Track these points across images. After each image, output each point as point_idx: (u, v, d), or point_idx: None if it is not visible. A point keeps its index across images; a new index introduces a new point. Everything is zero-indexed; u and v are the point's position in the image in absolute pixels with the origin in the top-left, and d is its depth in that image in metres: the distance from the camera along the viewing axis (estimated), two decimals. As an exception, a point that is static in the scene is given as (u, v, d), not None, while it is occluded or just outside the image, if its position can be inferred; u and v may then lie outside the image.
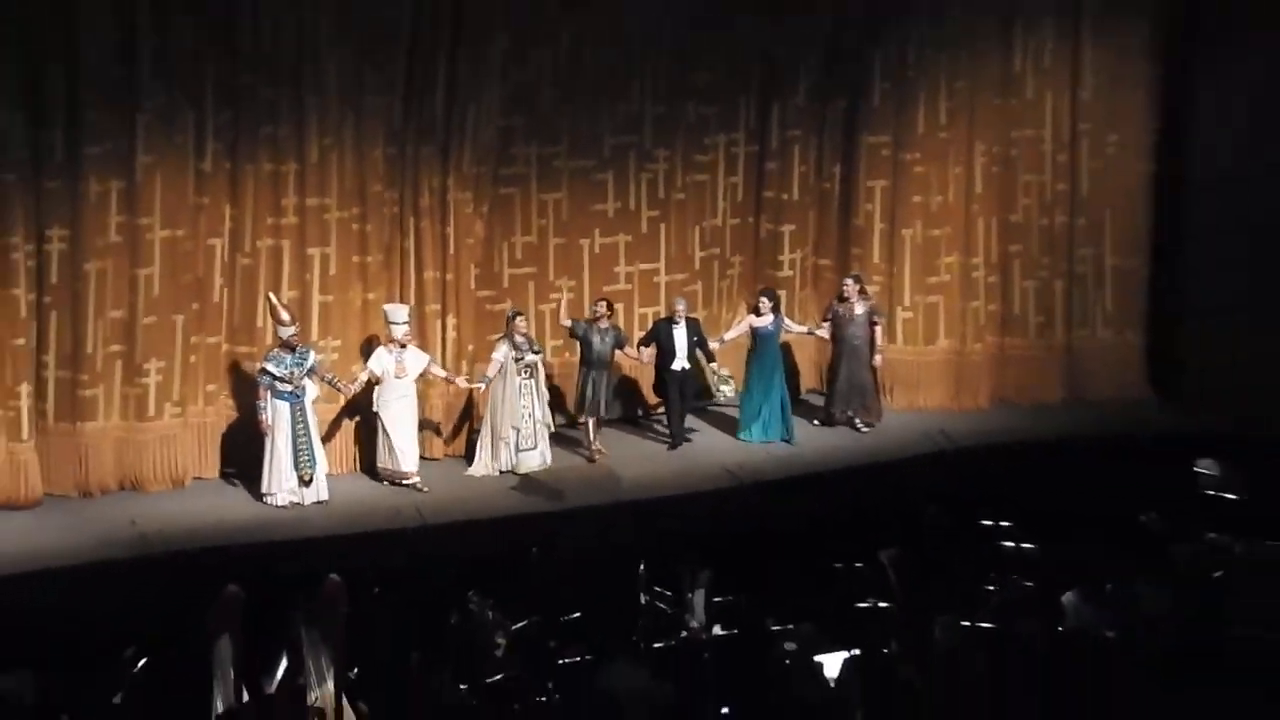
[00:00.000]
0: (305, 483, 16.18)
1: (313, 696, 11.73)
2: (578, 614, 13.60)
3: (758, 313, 18.04)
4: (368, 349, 16.89)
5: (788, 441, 18.01)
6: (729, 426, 18.26)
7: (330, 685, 11.66)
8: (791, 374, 18.69)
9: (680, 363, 17.63)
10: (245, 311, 16.83)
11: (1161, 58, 19.50)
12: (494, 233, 17.82)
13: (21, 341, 15.88)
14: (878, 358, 18.31)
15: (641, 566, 13.72)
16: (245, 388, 16.66)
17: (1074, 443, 18.17)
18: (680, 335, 17.61)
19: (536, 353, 17.11)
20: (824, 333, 18.35)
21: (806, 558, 14.47)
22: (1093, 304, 19.78)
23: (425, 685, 11.72)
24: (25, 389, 15.89)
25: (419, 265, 17.34)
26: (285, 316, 16.20)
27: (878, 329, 18.24)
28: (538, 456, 17.12)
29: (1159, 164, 19.64)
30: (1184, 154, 19.48)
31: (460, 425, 17.63)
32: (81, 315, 16.08)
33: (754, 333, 18.01)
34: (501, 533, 15.93)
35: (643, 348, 17.78)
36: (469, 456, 17.32)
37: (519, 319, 17.03)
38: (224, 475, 16.83)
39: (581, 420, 17.61)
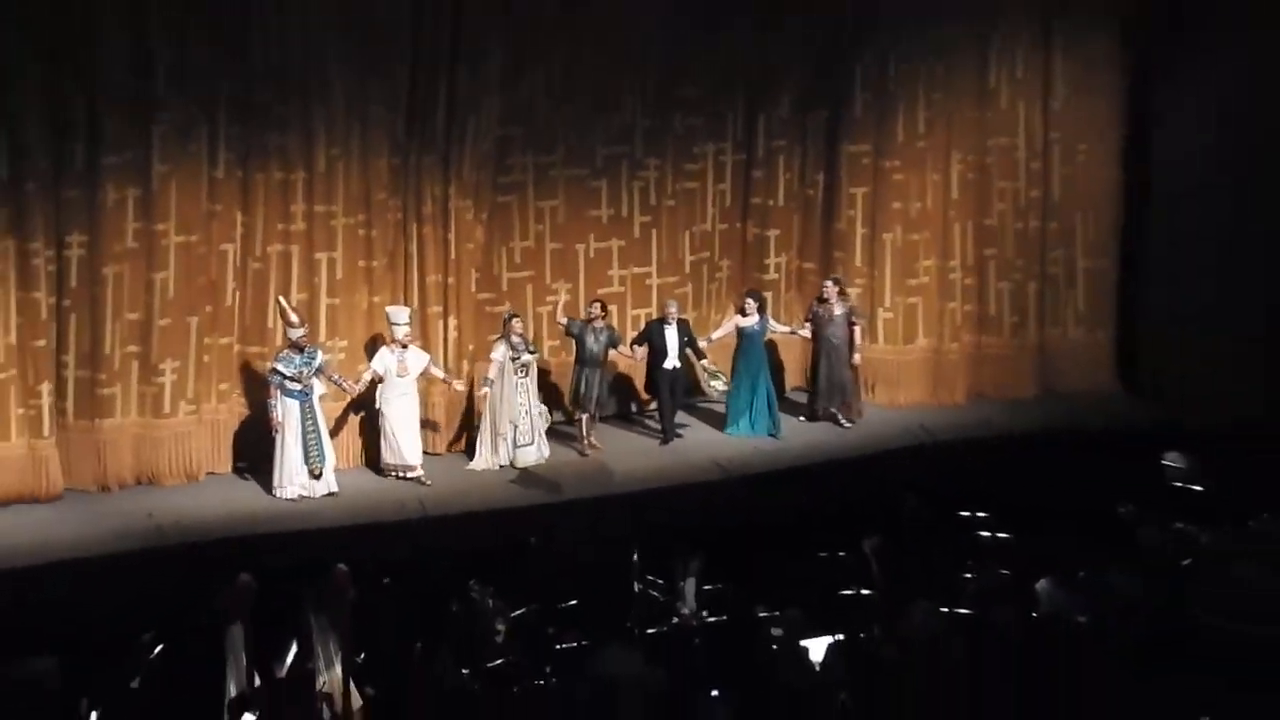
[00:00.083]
0: (315, 476, 16.17)
1: (321, 681, 11.74)
2: (574, 602, 13.60)
3: (744, 313, 18.04)
4: (372, 349, 16.87)
5: (774, 436, 18.00)
6: (718, 422, 18.25)
7: (338, 670, 11.67)
8: (777, 372, 18.66)
9: (671, 361, 17.63)
10: (256, 313, 16.81)
11: (1129, 70, 19.49)
12: (493, 238, 17.80)
13: (42, 342, 15.86)
14: (856, 356, 18.29)
15: (635, 556, 13.72)
16: (256, 386, 16.64)
17: (1047, 436, 18.16)
18: (671, 335, 17.61)
19: (532, 353, 17.09)
20: (806, 332, 18.34)
21: (792, 547, 14.48)
22: (1064, 304, 19.77)
23: (428, 669, 11.70)
24: (46, 388, 15.87)
25: (422, 269, 17.32)
26: (294, 318, 16.19)
27: (856, 329, 18.23)
28: (535, 451, 17.10)
29: (1127, 171, 19.64)
30: (1150, 161, 19.49)
31: (461, 422, 17.60)
32: (100, 317, 16.06)
33: (740, 332, 18.01)
34: (501, 524, 15.91)
35: (635, 346, 17.78)
36: (469, 452, 17.29)
37: (515, 320, 17.02)
38: (236, 470, 16.80)
39: (576, 415, 17.61)
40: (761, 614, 12.83)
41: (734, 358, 18.04)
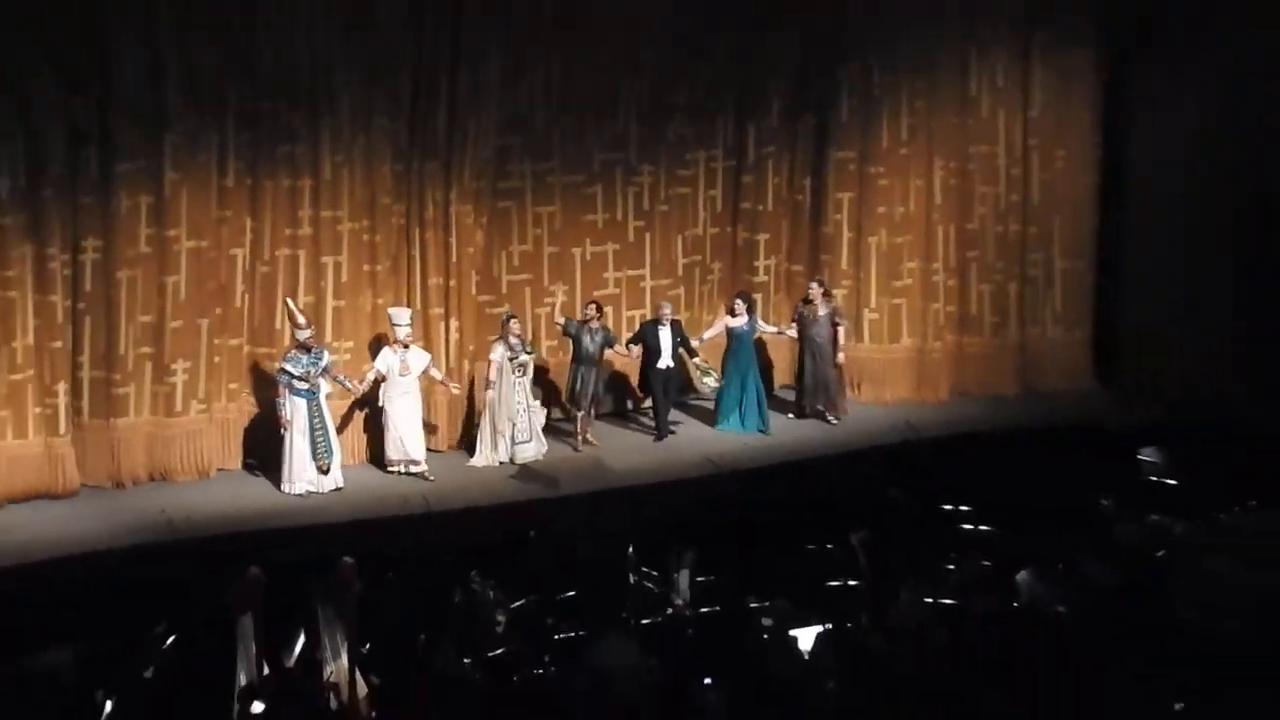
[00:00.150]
0: (323, 472, 16.16)
1: (328, 670, 11.70)
2: (572, 593, 13.57)
3: (733, 314, 18.07)
4: (376, 348, 16.85)
5: (764, 432, 18.00)
6: (710, 419, 18.24)
7: (344, 659, 11.63)
8: (766, 370, 18.66)
9: (665, 361, 17.64)
10: (264, 316, 16.80)
11: (1104, 81, 19.53)
12: (493, 242, 17.79)
13: (59, 344, 15.84)
14: (840, 356, 18.30)
15: (630, 549, 13.69)
16: (265, 386, 16.63)
17: (1027, 432, 18.16)
18: (665, 335, 17.62)
19: (529, 353, 17.08)
20: (792, 332, 18.35)
21: (782, 540, 14.44)
22: (1043, 304, 19.78)
23: (431, 659, 11.68)
24: (62, 387, 15.86)
25: (424, 272, 17.30)
26: (301, 320, 16.18)
27: (840, 329, 18.23)
28: (533, 448, 17.09)
29: (1103, 176, 19.66)
30: (1125, 167, 19.51)
31: (462, 420, 17.57)
32: (114, 319, 16.05)
33: (730, 332, 18.03)
34: (501, 519, 15.90)
35: (631, 346, 17.78)
36: (470, 448, 17.27)
37: (513, 322, 17.01)
38: (246, 466, 16.79)
39: (573, 412, 17.59)
40: (752, 605, 12.79)
41: (724, 357, 18.06)
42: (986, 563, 13.36)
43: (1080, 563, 12.67)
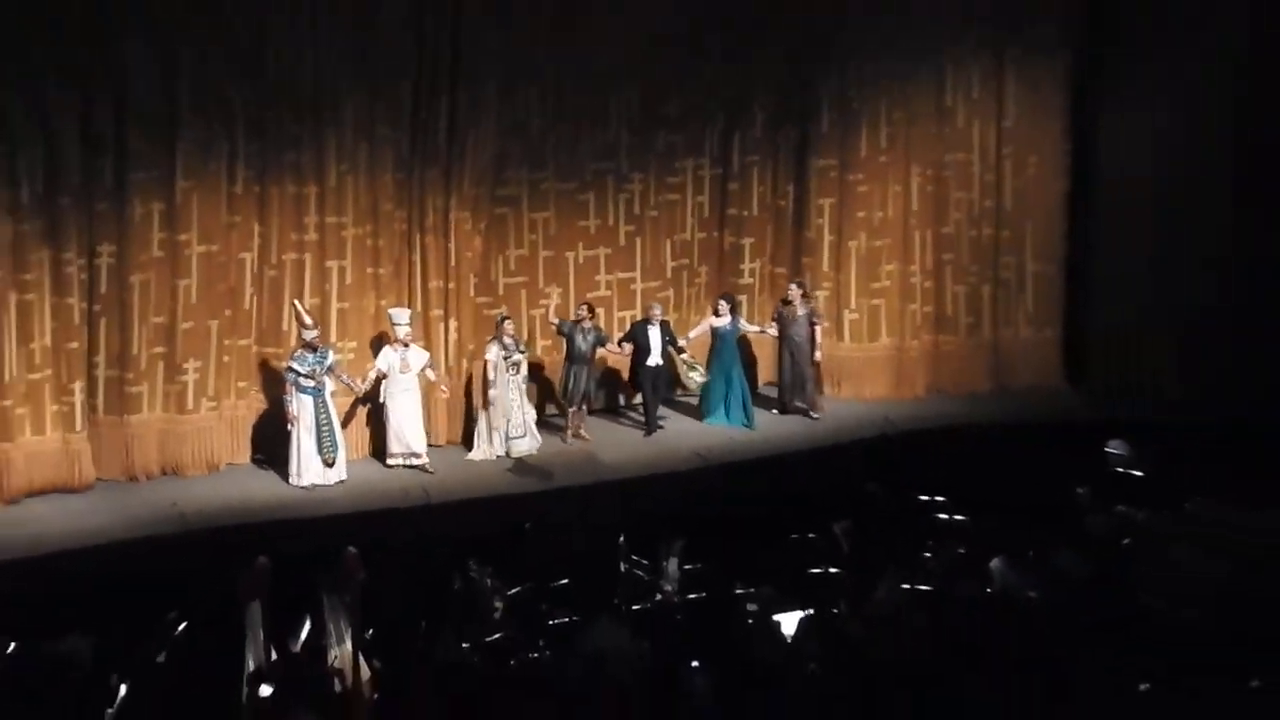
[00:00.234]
0: (328, 465, 16.15)
1: (332, 655, 11.68)
2: (566, 580, 13.56)
3: (717, 314, 18.08)
4: (378, 347, 16.84)
5: (748, 427, 17.99)
6: (697, 415, 18.23)
7: (348, 645, 11.61)
8: (750, 367, 18.64)
9: (654, 359, 17.65)
10: (272, 317, 16.78)
11: (1074, 92, 19.51)
12: (490, 247, 17.78)
13: (75, 345, 15.82)
14: (818, 354, 18.30)
15: (621, 538, 13.68)
16: (273, 383, 16.62)
17: (1000, 427, 18.16)
18: (655, 335, 17.63)
19: (523, 352, 17.08)
20: (773, 331, 18.35)
21: (766, 530, 14.44)
22: (1015, 306, 19.76)
23: (431, 644, 11.67)
24: (78, 386, 15.83)
25: (425, 275, 17.29)
26: (308, 320, 16.19)
27: (817, 329, 18.24)
28: (527, 443, 17.08)
29: (1072, 183, 19.65)
30: (1093, 174, 19.51)
31: (460, 416, 17.56)
32: (128, 321, 16.03)
33: (714, 332, 18.06)
34: (498, 510, 15.90)
35: (622, 344, 17.79)
36: (467, 443, 17.26)
37: (507, 322, 17.02)
38: (254, 461, 16.78)
39: (568, 408, 17.59)
40: (738, 591, 12.79)
41: (709, 355, 18.06)
42: (961, 551, 13.36)
43: (1051, 551, 12.68)
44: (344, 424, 16.61)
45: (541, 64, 17.54)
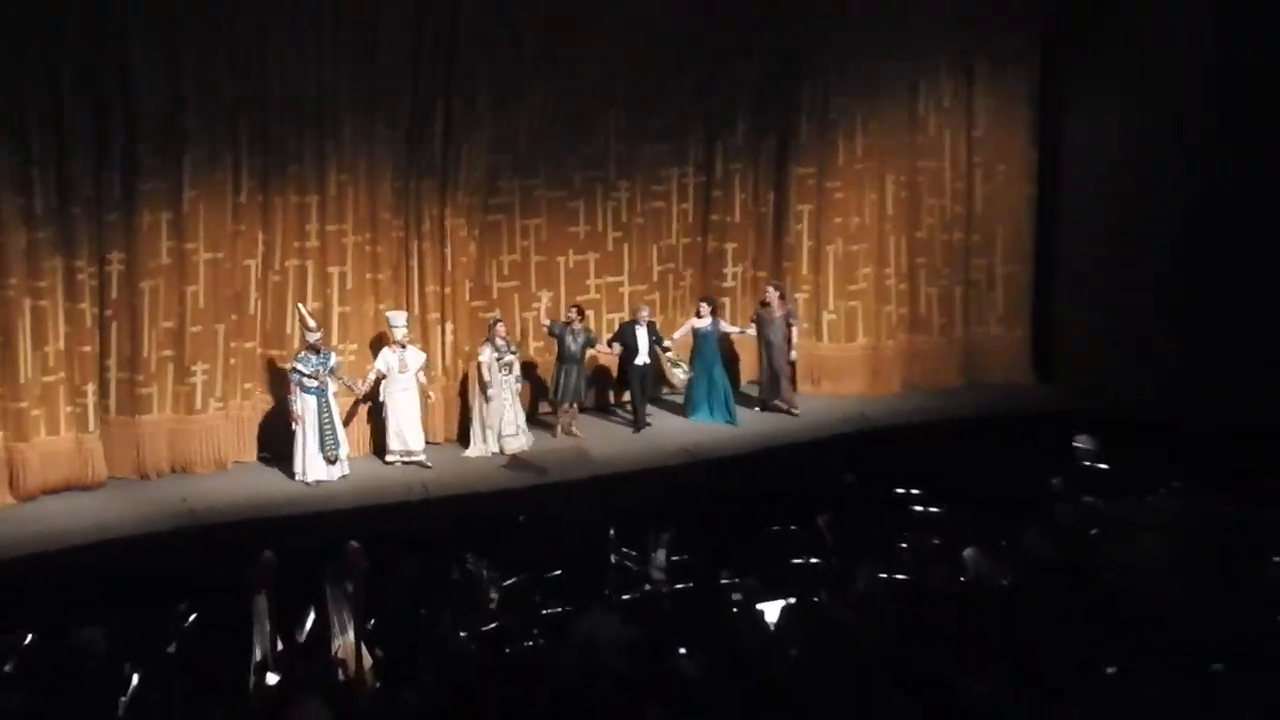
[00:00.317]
0: (331, 462, 16.13)
1: (336, 645, 11.69)
2: (559, 571, 13.55)
3: (698, 315, 18.09)
4: (377, 348, 16.83)
5: (732, 424, 17.99)
6: (683, 413, 18.22)
7: (351, 635, 11.61)
8: (732, 366, 18.64)
9: (642, 358, 17.66)
10: (276, 321, 16.76)
11: (1041, 102, 19.55)
12: (484, 252, 17.77)
13: (88, 348, 15.80)
14: (793, 354, 18.32)
15: (611, 531, 13.68)
16: (277, 384, 16.60)
17: (972, 422, 18.18)
18: (642, 335, 17.63)
19: (514, 353, 17.07)
20: (751, 331, 18.37)
21: (750, 522, 14.43)
22: (986, 306, 19.79)
23: (431, 633, 11.66)
24: (91, 388, 15.81)
25: (422, 280, 17.28)
26: (311, 324, 16.17)
27: (794, 330, 18.25)
28: (521, 439, 17.07)
29: (1040, 188, 19.68)
30: (1060, 180, 19.54)
31: (456, 414, 17.55)
32: (138, 325, 16.01)
33: (695, 333, 18.07)
34: (494, 504, 15.87)
35: (611, 344, 17.79)
36: (464, 440, 17.25)
37: (499, 325, 17.01)
38: (260, 458, 16.76)
39: (560, 406, 17.58)
40: (723, 581, 12.79)
41: (690, 355, 18.07)
42: (936, 540, 13.36)
43: (1021, 539, 12.69)
44: (345, 422, 16.60)
45: (532, 79, 17.52)
